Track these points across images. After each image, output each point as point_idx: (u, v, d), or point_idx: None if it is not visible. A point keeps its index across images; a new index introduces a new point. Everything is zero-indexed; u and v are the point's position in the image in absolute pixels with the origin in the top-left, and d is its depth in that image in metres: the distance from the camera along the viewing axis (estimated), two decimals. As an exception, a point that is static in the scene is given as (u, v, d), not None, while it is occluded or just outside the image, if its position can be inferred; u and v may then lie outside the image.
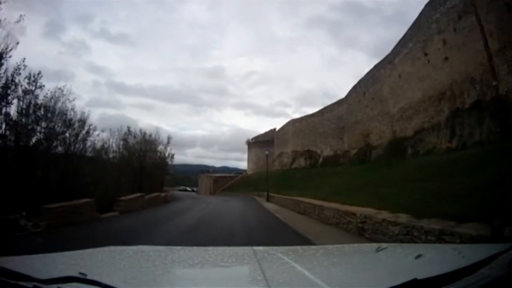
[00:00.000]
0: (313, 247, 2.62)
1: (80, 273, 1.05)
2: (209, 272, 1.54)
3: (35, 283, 0.94)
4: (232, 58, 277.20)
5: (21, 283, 0.94)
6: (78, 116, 16.28)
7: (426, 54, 18.91)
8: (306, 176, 27.81)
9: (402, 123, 20.42)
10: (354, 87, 28.75)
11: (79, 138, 16.08)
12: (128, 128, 27.92)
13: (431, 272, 0.99)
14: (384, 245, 1.92)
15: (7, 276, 0.96)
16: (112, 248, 1.83)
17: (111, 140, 24.46)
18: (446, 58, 16.91)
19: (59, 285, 0.95)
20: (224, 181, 49.89)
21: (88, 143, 17.51)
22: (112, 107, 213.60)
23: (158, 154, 32.44)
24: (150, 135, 30.72)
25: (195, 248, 2.15)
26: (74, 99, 15.37)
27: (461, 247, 1.92)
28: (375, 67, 24.72)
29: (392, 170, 14.74)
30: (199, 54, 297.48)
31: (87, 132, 16.80)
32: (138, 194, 18.75)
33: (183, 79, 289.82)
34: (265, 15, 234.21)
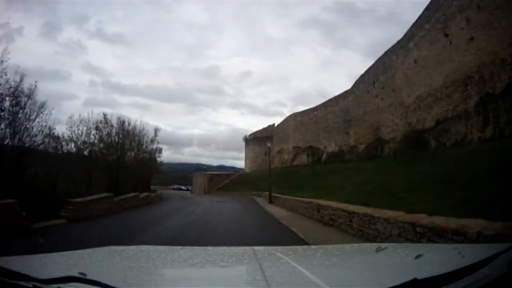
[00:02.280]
0: (313, 247, 2.58)
1: (80, 273, 1.05)
2: (209, 272, 1.53)
3: (35, 283, 0.94)
4: (227, 59, 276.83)
5: (21, 283, 0.94)
6: (25, 90, 12.63)
7: (447, 35, 16.97)
8: (312, 174, 25.07)
9: (419, 113, 18.38)
10: (362, 76, 26.52)
11: (20, 118, 12.27)
12: (104, 115, 23.33)
13: (431, 272, 0.99)
14: (384, 245, 1.89)
15: (7, 276, 0.96)
16: (112, 248, 1.80)
17: (81, 128, 20.21)
18: (471, 38, 15.14)
19: (59, 285, 0.95)
20: (220, 179, 46.86)
21: (36, 125, 13.61)
22: (108, 107, 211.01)
23: (144, 148, 28.60)
24: (130, 124, 26.32)
25: (195, 248, 2.13)
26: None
27: (461, 247, 1.76)
28: (386, 53, 22.61)
29: (429, 165, 11.91)
30: (195, 55, 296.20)
31: (22, 109, 12.48)
32: (103, 195, 14.75)
33: (178, 79, 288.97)
34: (260, 16, 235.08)
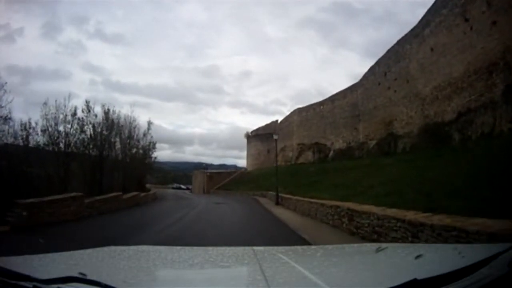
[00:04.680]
0: (313, 247, 2.62)
1: (80, 273, 1.04)
2: (209, 272, 1.52)
3: (35, 283, 0.93)
4: (227, 58, 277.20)
5: (21, 283, 0.93)
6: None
7: (467, 20, 15.76)
8: (322, 172, 22.66)
9: (438, 105, 17.13)
10: (372, 68, 25.09)
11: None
12: (87, 102, 19.94)
13: (431, 272, 0.98)
14: (384, 245, 1.87)
15: (7, 276, 0.95)
16: (112, 248, 1.81)
17: (58, 117, 17.04)
18: (494, 22, 13.95)
19: (59, 285, 0.94)
20: (220, 178, 44.55)
21: None
22: (109, 105, 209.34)
23: (135, 142, 25.75)
24: (115, 112, 22.70)
25: (195, 248, 2.11)
26: None
27: (461, 247, 1.73)
28: (398, 42, 21.29)
29: (471, 157, 9.87)
30: (194, 54, 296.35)
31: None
32: (69, 195, 12.28)
33: (178, 78, 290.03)
34: (258, 16, 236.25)
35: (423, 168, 11.34)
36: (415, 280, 0.91)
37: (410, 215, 5.86)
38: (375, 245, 1.88)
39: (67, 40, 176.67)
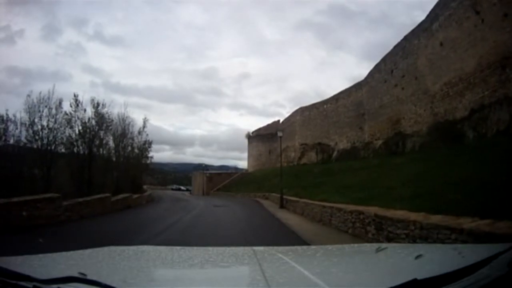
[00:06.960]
0: (313, 247, 2.59)
1: (80, 273, 1.03)
2: (209, 272, 1.51)
3: (35, 283, 0.92)
4: (226, 60, 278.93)
5: (21, 283, 0.92)
6: None
7: (477, 12, 15.13)
8: (327, 172, 21.64)
9: (448, 102, 16.44)
10: (378, 65, 24.11)
11: None
12: (75, 95, 18.15)
13: (431, 272, 0.98)
14: (384, 245, 1.92)
15: (7, 276, 0.94)
16: (112, 248, 1.79)
17: (42, 110, 15.53)
18: (506, 15, 13.40)
19: (59, 285, 0.93)
20: (220, 179, 43.49)
21: None
22: (109, 107, 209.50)
23: (129, 140, 24.34)
24: (104, 105, 20.34)
25: (195, 248, 2.11)
26: None
27: (461, 247, 1.77)
28: (405, 38, 20.50)
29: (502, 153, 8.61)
30: (193, 56, 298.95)
31: None
32: (44, 196, 10.87)
33: (177, 79, 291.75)
34: (257, 18, 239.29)
35: (447, 166, 9.93)
36: (415, 280, 0.91)
37: (467, 222, 4.62)
38: (375, 245, 1.88)
39: (67, 42, 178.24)
